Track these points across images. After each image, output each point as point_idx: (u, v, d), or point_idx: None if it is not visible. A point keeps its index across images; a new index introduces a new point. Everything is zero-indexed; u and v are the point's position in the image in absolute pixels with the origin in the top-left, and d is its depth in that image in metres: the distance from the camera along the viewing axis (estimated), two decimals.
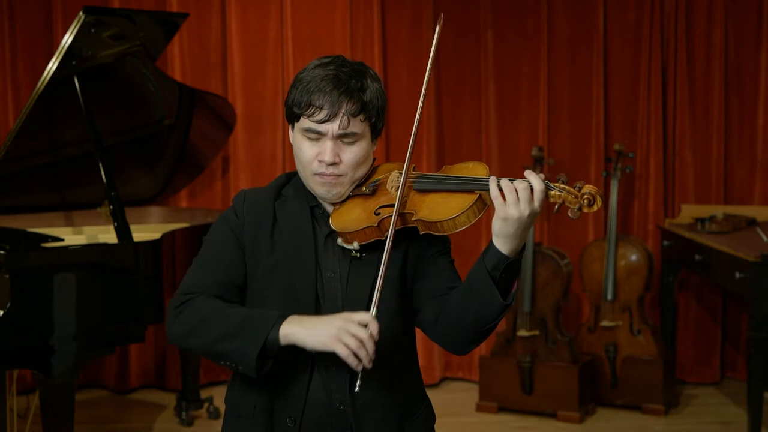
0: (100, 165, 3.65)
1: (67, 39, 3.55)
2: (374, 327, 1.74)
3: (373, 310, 1.77)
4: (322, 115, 1.85)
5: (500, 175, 1.81)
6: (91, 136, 3.66)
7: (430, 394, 2.12)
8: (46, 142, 3.98)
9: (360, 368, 1.73)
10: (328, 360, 1.84)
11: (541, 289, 4.71)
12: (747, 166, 5.23)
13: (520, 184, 1.76)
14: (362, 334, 1.72)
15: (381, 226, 1.86)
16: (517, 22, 5.27)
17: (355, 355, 1.72)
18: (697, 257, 4.52)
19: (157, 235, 3.65)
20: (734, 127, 5.24)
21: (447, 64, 5.28)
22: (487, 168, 1.86)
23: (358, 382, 1.76)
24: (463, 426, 4.59)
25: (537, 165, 4.87)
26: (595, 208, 1.74)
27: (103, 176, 3.64)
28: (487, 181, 1.79)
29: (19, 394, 4.30)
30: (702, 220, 4.73)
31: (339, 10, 5.19)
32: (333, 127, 1.85)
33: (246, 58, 5.18)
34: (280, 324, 1.77)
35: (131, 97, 4.16)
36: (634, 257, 4.78)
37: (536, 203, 1.75)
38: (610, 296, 4.76)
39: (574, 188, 1.76)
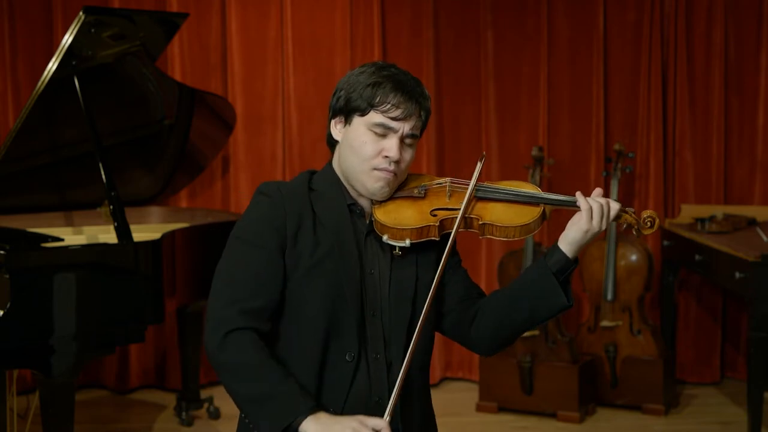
0: (100, 165, 3.64)
1: (67, 39, 3.55)
2: None
3: (387, 417, 1.78)
4: (398, 113, 1.90)
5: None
6: (91, 136, 3.65)
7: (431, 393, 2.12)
8: (46, 142, 3.97)
9: None
10: (375, 351, 1.90)
11: None
12: (747, 166, 5.23)
13: (613, 203, 1.92)
14: None
15: (442, 225, 1.94)
16: (517, 22, 5.27)
17: None
18: (697, 257, 4.52)
19: (157, 235, 3.64)
20: (734, 127, 5.24)
21: (447, 64, 5.28)
22: (538, 188, 2.01)
23: None
24: (463, 426, 4.59)
25: (537, 165, 4.86)
26: (655, 229, 1.95)
27: (103, 176, 3.63)
28: (558, 198, 1.94)
29: (19, 394, 4.30)
30: (702, 220, 4.73)
31: (339, 10, 5.19)
32: (405, 126, 1.92)
33: (246, 58, 5.18)
34: (305, 417, 1.77)
35: (131, 97, 4.15)
36: (634, 257, 4.78)
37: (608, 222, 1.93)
38: (610, 296, 4.76)
39: (632, 213, 1.96)
